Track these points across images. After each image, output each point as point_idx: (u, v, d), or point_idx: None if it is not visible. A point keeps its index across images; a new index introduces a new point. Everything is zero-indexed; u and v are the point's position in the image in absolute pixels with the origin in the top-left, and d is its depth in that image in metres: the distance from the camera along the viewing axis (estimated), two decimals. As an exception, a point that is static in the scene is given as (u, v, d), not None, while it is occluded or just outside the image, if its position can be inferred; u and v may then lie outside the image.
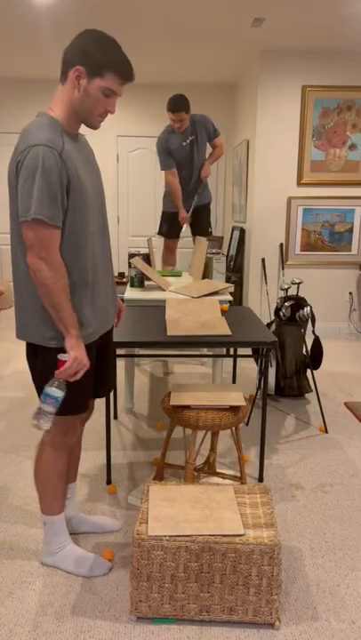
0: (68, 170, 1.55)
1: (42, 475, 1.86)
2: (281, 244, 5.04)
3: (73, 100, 1.60)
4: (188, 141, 4.29)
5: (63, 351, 1.66)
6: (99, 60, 1.55)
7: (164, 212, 4.55)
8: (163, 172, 4.39)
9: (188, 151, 4.32)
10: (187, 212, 4.42)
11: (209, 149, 4.47)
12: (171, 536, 1.66)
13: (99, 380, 1.92)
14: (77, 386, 1.72)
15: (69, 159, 1.56)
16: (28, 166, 1.50)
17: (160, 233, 4.62)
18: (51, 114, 1.62)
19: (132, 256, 3.81)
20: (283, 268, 5.07)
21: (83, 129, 1.89)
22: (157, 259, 5.13)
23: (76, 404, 1.77)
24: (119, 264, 6.48)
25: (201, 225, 4.53)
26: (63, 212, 1.57)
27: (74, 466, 2.08)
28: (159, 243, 4.87)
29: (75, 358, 1.62)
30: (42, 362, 1.72)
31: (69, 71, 1.58)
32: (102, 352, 1.90)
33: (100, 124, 1.67)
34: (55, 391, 1.63)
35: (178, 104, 4.07)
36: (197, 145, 4.32)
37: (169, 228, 4.54)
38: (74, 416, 1.80)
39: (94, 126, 1.67)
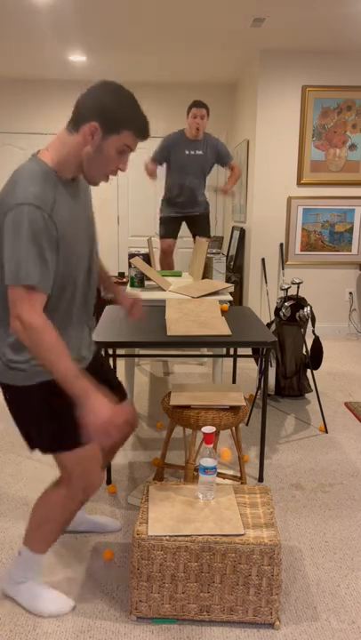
0: (58, 228, 1.45)
1: (42, 513, 1.69)
2: (281, 244, 5.04)
3: (83, 155, 1.50)
4: (193, 153, 4.30)
5: (44, 387, 1.54)
6: (116, 117, 1.46)
7: (161, 218, 4.58)
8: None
9: (190, 162, 4.32)
10: (166, 204, 4.45)
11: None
12: (171, 536, 1.66)
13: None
14: (71, 415, 1.54)
15: (59, 215, 1.46)
16: (15, 226, 1.39)
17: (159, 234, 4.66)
18: (45, 159, 1.50)
19: (132, 256, 3.81)
20: (283, 268, 5.07)
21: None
22: (157, 259, 5.14)
23: (66, 438, 1.58)
24: (119, 264, 6.48)
25: (199, 231, 4.56)
26: (53, 274, 1.47)
27: None
28: (159, 243, 4.88)
29: (92, 426, 1.42)
30: (21, 406, 1.60)
31: (83, 125, 1.47)
32: (97, 373, 1.77)
33: (100, 182, 1.56)
34: (208, 461, 1.80)
35: (202, 102, 4.19)
36: (203, 162, 4.34)
37: (165, 229, 4.56)
38: (90, 453, 1.61)
39: (95, 184, 1.56)
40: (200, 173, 4.39)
